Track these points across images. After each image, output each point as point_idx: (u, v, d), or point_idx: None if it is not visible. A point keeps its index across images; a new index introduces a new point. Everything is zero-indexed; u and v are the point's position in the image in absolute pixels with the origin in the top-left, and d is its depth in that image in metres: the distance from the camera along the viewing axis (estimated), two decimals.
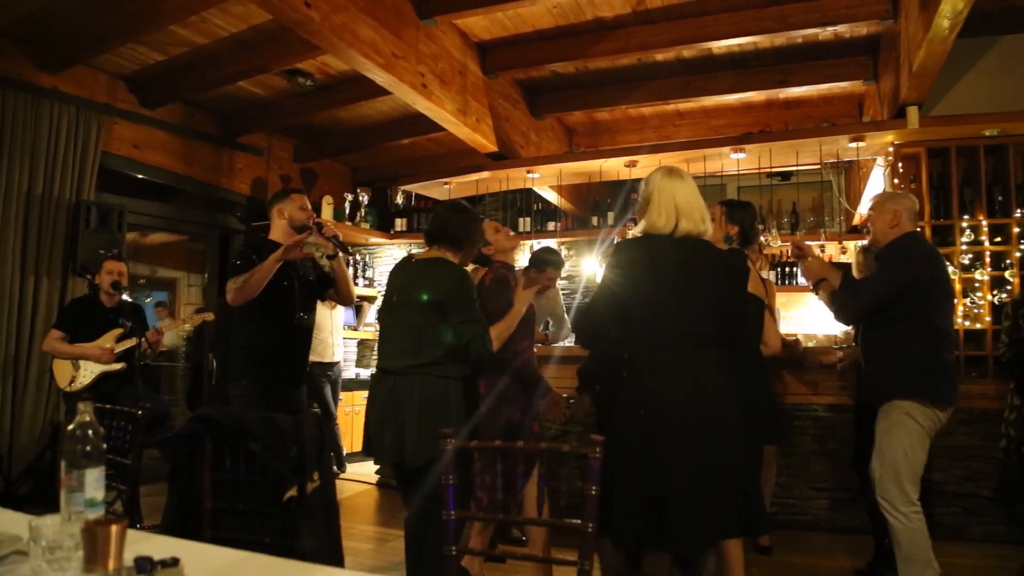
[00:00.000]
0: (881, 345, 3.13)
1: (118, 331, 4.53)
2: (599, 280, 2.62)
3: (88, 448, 1.38)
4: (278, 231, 3.45)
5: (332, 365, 6.67)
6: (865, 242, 3.57)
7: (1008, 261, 4.85)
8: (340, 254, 3.46)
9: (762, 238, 3.76)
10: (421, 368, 2.82)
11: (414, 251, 3.54)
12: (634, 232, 2.58)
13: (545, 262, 4.19)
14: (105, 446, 1.43)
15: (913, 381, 3.02)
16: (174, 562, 1.34)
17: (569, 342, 5.36)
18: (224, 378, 3.41)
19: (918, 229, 3.25)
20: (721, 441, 2.32)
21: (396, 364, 2.88)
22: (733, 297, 2.53)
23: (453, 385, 2.85)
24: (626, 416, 2.39)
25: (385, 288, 3.08)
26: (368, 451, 2.97)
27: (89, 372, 4.44)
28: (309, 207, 3.51)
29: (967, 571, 3.77)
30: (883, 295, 3.06)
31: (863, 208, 6.51)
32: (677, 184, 2.50)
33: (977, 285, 4.91)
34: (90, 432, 1.39)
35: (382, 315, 3.05)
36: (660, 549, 2.40)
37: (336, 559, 2.25)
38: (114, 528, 1.09)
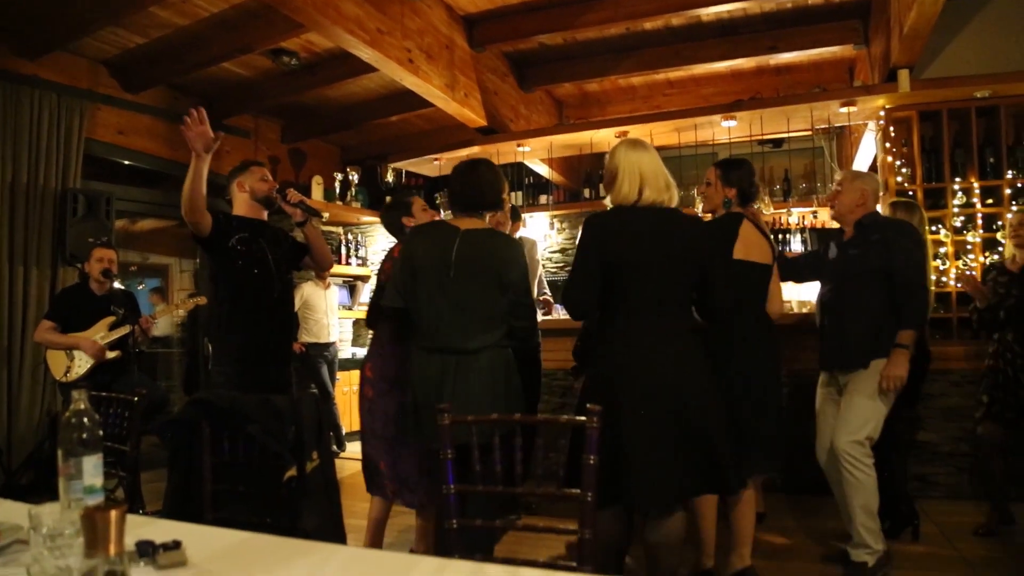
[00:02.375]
0: (860, 312, 3.20)
1: (110, 319, 4.51)
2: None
3: (84, 435, 1.37)
4: (240, 205, 3.34)
5: (328, 345, 6.67)
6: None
7: (999, 223, 4.85)
8: (310, 219, 3.35)
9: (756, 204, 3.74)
10: (489, 347, 2.72)
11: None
12: (605, 204, 2.68)
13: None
14: (102, 433, 1.43)
15: (889, 342, 3.15)
16: (176, 545, 1.35)
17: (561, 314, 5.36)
18: (212, 360, 3.36)
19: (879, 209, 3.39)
20: (681, 406, 2.41)
21: (461, 344, 2.71)
22: (704, 264, 2.56)
23: (512, 357, 2.80)
24: (594, 381, 2.56)
25: (419, 257, 2.79)
26: (418, 434, 2.80)
27: (84, 362, 4.43)
28: (271, 179, 3.38)
29: (961, 529, 3.82)
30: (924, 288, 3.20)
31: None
32: (641, 155, 2.60)
33: (969, 247, 4.92)
34: (85, 420, 1.39)
35: (426, 289, 2.76)
36: (630, 509, 2.55)
37: (338, 537, 2.27)
38: (114, 513, 1.09)
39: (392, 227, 3.56)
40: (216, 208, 3.21)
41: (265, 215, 3.37)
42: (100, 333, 4.46)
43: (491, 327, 2.73)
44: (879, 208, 3.46)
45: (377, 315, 3.30)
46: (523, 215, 4.51)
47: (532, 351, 2.90)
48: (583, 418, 1.78)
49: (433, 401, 2.67)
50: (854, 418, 3.12)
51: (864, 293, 3.17)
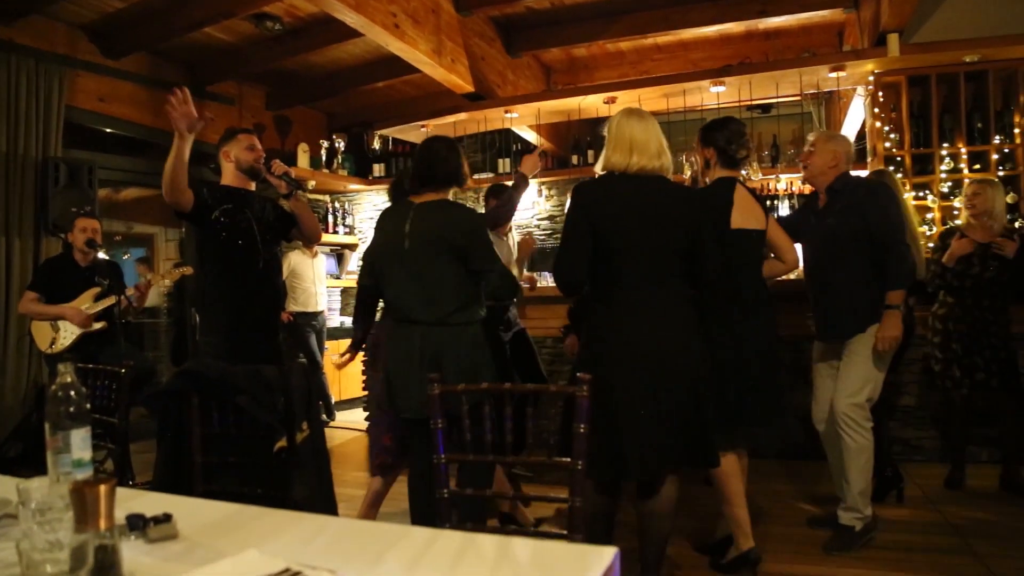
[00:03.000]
0: (850, 281, 3.18)
1: (96, 290, 4.47)
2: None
3: (72, 409, 1.36)
4: (227, 174, 3.28)
5: (316, 315, 6.65)
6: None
7: (955, 191, 4.87)
8: (295, 192, 3.29)
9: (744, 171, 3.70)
10: (449, 317, 2.74)
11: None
12: (595, 171, 2.66)
13: None
14: (89, 406, 1.42)
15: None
16: (166, 518, 1.35)
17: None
18: (199, 332, 3.33)
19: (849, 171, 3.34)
20: (670, 375, 2.42)
21: (421, 315, 2.76)
22: (694, 232, 2.54)
23: (479, 329, 2.83)
24: (585, 349, 2.57)
25: (380, 234, 2.92)
26: (392, 403, 2.87)
27: (70, 333, 4.39)
28: (258, 147, 3.31)
29: (944, 492, 3.90)
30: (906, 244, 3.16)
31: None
32: (634, 122, 2.57)
33: (956, 212, 4.94)
34: (72, 393, 1.37)
35: (386, 263, 2.86)
36: (619, 478, 2.52)
37: (329, 507, 2.28)
38: (103, 488, 1.08)
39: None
40: (200, 179, 3.16)
41: (252, 185, 3.32)
42: (85, 304, 4.42)
43: (454, 298, 2.75)
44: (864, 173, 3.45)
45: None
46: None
47: (516, 294, 2.95)
48: (573, 387, 1.78)
49: (403, 371, 2.78)
50: (853, 381, 3.14)
51: (850, 260, 3.15)
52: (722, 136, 3.00)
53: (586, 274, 2.52)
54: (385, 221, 2.94)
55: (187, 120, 2.95)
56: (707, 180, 3.09)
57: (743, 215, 2.93)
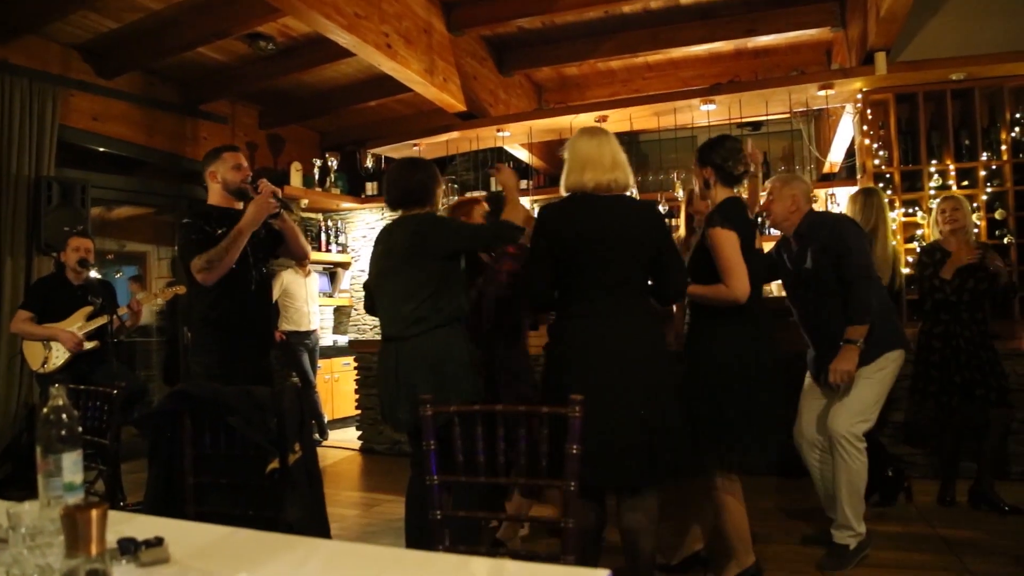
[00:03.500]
0: (844, 321, 3.12)
1: (88, 309, 4.45)
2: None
3: (63, 432, 1.36)
4: (215, 195, 3.25)
5: (309, 333, 6.64)
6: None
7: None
8: (281, 212, 3.27)
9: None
10: (422, 329, 2.80)
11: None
12: (560, 192, 2.73)
13: None
14: (81, 429, 1.41)
15: (897, 335, 3.27)
16: (158, 542, 1.34)
17: None
18: (190, 352, 3.32)
19: (812, 209, 3.34)
20: (632, 391, 2.45)
21: (395, 331, 2.87)
22: (655, 248, 2.59)
23: (455, 339, 2.85)
24: (549, 362, 2.66)
25: (370, 264, 3.11)
26: (385, 420, 3.02)
27: (62, 353, 4.37)
28: (245, 165, 3.28)
29: (939, 508, 3.90)
30: (869, 273, 3.16)
31: (833, 156, 6.57)
32: (585, 140, 2.64)
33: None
34: (64, 416, 1.37)
35: (376, 286, 3.02)
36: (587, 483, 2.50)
37: (322, 528, 2.27)
38: (94, 512, 1.08)
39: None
40: (194, 210, 3.17)
41: (240, 205, 3.31)
42: (78, 323, 4.40)
43: (418, 311, 2.81)
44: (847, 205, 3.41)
45: None
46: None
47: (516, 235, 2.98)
48: (565, 408, 1.78)
49: (386, 388, 2.90)
50: (855, 408, 3.13)
51: (837, 301, 3.11)
52: (718, 154, 2.96)
53: (550, 292, 2.62)
54: (375, 246, 3.08)
55: (268, 212, 3.13)
56: (709, 200, 3.07)
57: (756, 234, 2.98)
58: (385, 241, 2.99)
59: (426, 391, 2.63)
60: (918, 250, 4.93)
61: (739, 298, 2.75)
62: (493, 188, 7.51)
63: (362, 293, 3.46)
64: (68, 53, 5.63)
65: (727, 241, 2.77)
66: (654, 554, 2.64)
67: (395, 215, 3.08)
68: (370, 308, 3.15)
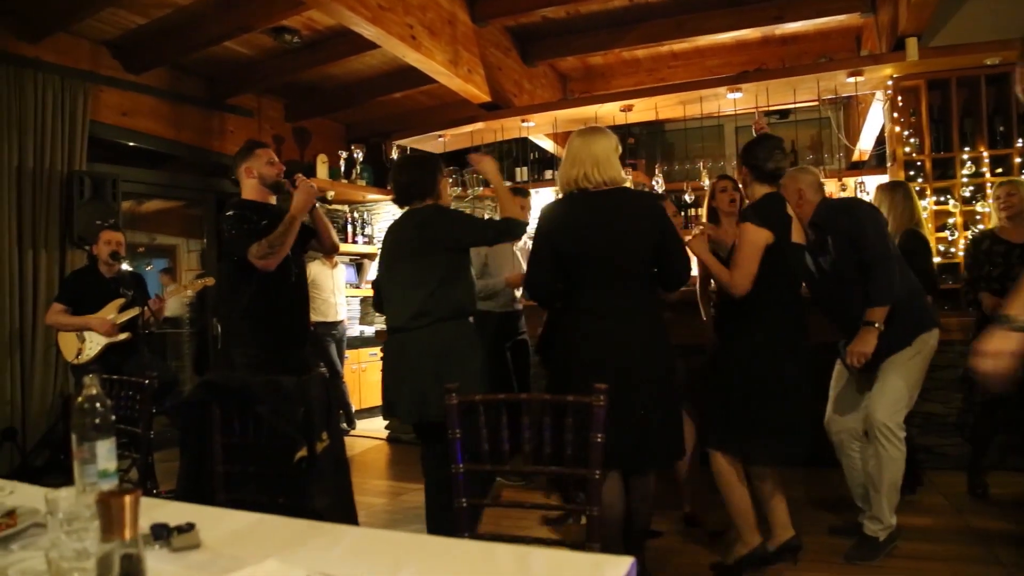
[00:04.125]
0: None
1: (120, 301, 4.54)
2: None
3: (97, 420, 1.39)
4: (250, 190, 3.35)
5: (336, 324, 6.70)
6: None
7: (977, 195, 4.81)
8: (316, 205, 3.39)
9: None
10: (427, 322, 2.86)
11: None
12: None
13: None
14: (114, 418, 1.45)
15: (928, 315, 3.22)
16: (189, 527, 1.38)
17: None
18: (228, 343, 3.40)
19: (825, 197, 3.29)
20: (628, 380, 2.51)
21: (401, 322, 2.93)
22: (658, 238, 2.64)
23: (463, 332, 2.90)
24: (557, 355, 2.78)
25: (379, 259, 3.18)
26: (388, 412, 3.06)
27: (95, 344, 4.47)
28: (277, 160, 3.39)
29: (968, 499, 3.85)
30: (891, 259, 3.09)
31: (863, 144, 6.46)
32: (576, 139, 2.76)
33: (978, 217, 4.89)
34: (98, 404, 1.40)
35: (384, 277, 3.10)
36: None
37: (349, 516, 2.30)
38: (128, 498, 1.11)
39: None
40: (241, 209, 3.29)
41: (274, 200, 3.40)
42: (110, 315, 4.49)
43: (424, 302, 2.86)
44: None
45: None
46: (529, 191, 4.43)
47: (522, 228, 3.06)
48: (589, 396, 1.79)
49: (389, 381, 2.98)
50: (894, 395, 3.09)
51: (862, 290, 3.06)
52: (752, 154, 3.04)
53: (552, 286, 2.71)
54: (383, 242, 3.17)
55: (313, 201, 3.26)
56: (747, 198, 3.17)
57: (796, 229, 3.01)
58: (394, 233, 3.07)
59: (429, 385, 2.75)
60: (949, 238, 4.87)
61: (736, 290, 2.86)
62: (517, 179, 7.51)
63: None
64: (97, 50, 5.72)
65: (751, 237, 2.87)
66: (647, 527, 2.85)
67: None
68: (378, 305, 3.20)
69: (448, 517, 2.55)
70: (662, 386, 2.60)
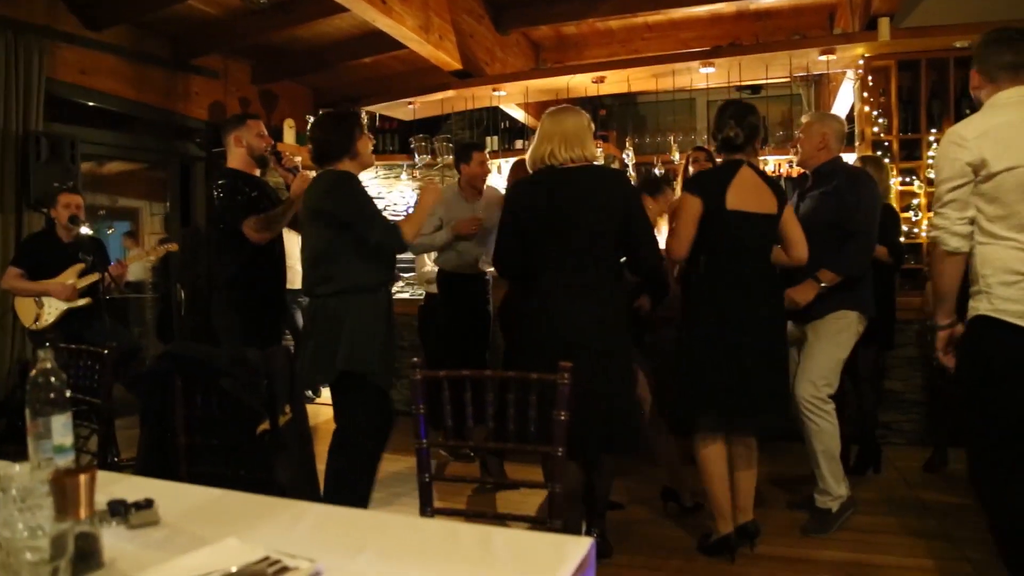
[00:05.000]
0: (811, 267, 3.09)
1: (80, 266, 4.43)
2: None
3: (52, 395, 1.36)
4: (237, 159, 3.39)
5: (301, 291, 6.61)
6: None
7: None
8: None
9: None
10: (319, 289, 2.92)
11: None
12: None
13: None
14: (71, 390, 1.42)
15: (869, 302, 3.25)
16: (148, 504, 1.36)
17: None
18: (196, 310, 3.43)
19: (841, 154, 3.34)
20: (588, 362, 2.46)
21: (306, 289, 2.99)
22: (625, 215, 2.65)
23: (351, 303, 2.86)
24: (515, 330, 2.85)
25: None
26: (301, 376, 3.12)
27: (54, 309, 4.36)
28: (266, 134, 3.44)
29: (921, 474, 3.97)
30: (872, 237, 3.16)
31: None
32: (547, 118, 2.75)
33: None
34: (52, 379, 1.37)
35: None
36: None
37: (312, 488, 2.30)
38: (83, 477, 1.09)
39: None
40: (235, 181, 3.31)
41: (258, 172, 3.48)
42: (69, 280, 4.38)
43: (316, 270, 2.90)
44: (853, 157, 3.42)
45: None
46: (485, 154, 4.29)
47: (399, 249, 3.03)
48: (554, 375, 1.79)
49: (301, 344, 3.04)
50: (813, 367, 3.16)
51: (816, 247, 3.01)
52: (720, 121, 2.93)
53: (518, 260, 2.73)
54: None
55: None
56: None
57: (741, 197, 2.81)
58: (306, 196, 3.04)
59: (324, 353, 2.79)
60: (913, 219, 4.94)
61: (671, 254, 2.88)
62: (488, 148, 7.44)
63: None
64: (54, 3, 5.48)
65: (683, 204, 2.88)
66: (607, 495, 2.94)
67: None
68: None
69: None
70: (617, 367, 2.62)
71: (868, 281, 3.27)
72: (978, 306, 2.21)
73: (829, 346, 3.17)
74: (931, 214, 2.27)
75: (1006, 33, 2.25)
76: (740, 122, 2.88)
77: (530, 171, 2.79)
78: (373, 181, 7.99)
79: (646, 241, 2.70)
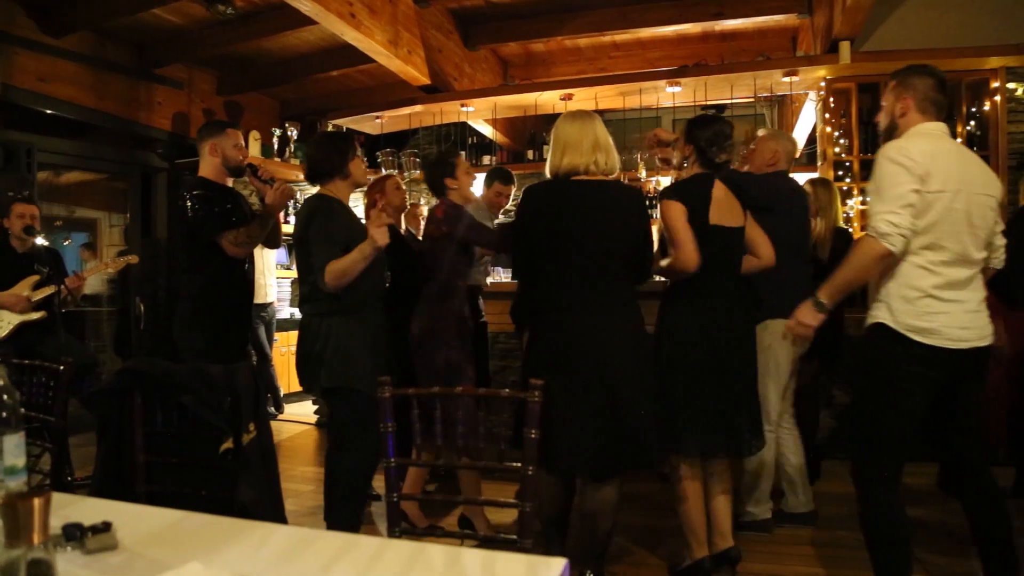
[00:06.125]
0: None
1: (35, 278, 4.31)
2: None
3: (3, 414, 1.30)
4: (210, 168, 3.31)
5: (266, 306, 6.53)
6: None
7: None
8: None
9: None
10: (304, 308, 3.00)
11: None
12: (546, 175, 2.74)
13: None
14: (24, 408, 1.36)
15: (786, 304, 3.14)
16: (105, 527, 1.30)
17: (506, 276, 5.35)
18: (156, 324, 3.35)
19: (789, 171, 3.43)
20: (607, 378, 2.47)
21: (297, 302, 3.03)
22: (638, 232, 2.62)
23: (324, 322, 2.92)
24: (532, 350, 2.67)
25: None
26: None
27: (7, 323, 4.22)
28: (243, 145, 3.40)
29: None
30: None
31: (801, 143, 6.63)
32: (567, 123, 2.64)
33: None
34: (5, 396, 1.31)
35: None
36: (549, 472, 2.55)
37: (276, 508, 2.25)
38: (36, 501, 1.04)
39: (434, 186, 3.54)
40: (209, 191, 3.25)
41: (230, 182, 3.42)
42: (24, 292, 4.26)
43: (301, 287, 3.02)
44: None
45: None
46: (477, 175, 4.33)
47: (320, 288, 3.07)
48: (524, 392, 1.78)
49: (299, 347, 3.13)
50: (781, 379, 3.22)
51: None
52: (703, 136, 2.87)
53: (528, 273, 2.69)
54: None
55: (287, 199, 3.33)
56: (682, 175, 3.01)
57: (720, 212, 2.79)
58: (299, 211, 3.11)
59: (312, 367, 2.93)
60: None
61: (684, 266, 2.69)
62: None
63: None
64: (11, 7, 5.35)
65: (669, 212, 2.73)
66: (610, 535, 2.69)
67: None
68: None
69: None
70: (633, 387, 2.52)
71: (796, 288, 3.02)
72: (878, 315, 2.33)
73: (785, 351, 3.22)
74: (875, 214, 2.28)
75: (941, 76, 2.48)
76: (729, 144, 2.90)
77: (550, 177, 2.66)
78: None
79: (649, 252, 2.69)
